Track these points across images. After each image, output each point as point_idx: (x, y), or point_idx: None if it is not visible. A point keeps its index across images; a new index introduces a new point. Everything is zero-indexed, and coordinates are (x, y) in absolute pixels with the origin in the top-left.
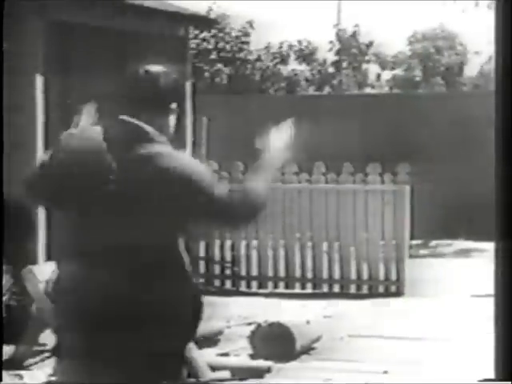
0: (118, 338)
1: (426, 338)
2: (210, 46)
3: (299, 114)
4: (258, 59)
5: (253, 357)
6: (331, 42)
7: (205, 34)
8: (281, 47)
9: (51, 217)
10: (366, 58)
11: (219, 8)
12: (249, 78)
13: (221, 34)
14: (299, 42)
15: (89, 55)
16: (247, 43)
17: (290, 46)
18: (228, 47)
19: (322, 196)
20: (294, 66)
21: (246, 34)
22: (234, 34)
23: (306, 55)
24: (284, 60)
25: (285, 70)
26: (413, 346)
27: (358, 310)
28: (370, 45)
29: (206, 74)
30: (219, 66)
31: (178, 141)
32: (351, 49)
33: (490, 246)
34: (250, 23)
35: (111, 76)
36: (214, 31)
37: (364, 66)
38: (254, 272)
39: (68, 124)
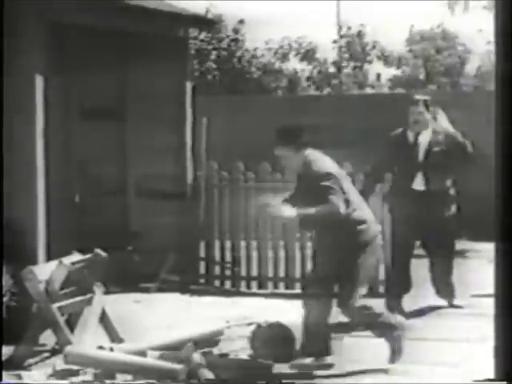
0: None
1: (426, 337)
2: (210, 47)
3: (299, 114)
4: (256, 57)
5: (253, 357)
6: (331, 41)
7: (204, 35)
8: (282, 44)
9: (50, 219)
10: (368, 58)
11: (216, 9)
12: (249, 76)
13: (218, 35)
14: (299, 38)
15: (89, 55)
16: (245, 42)
17: (290, 45)
18: (225, 45)
19: None
20: (294, 64)
21: (243, 33)
22: (230, 33)
23: (306, 53)
24: (285, 57)
25: (286, 68)
26: (413, 346)
27: None
28: (374, 46)
29: (206, 75)
30: (218, 65)
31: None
32: (355, 48)
33: (490, 247)
34: (247, 22)
35: (111, 76)
36: (212, 31)
37: (365, 65)
38: (254, 272)
39: (68, 124)
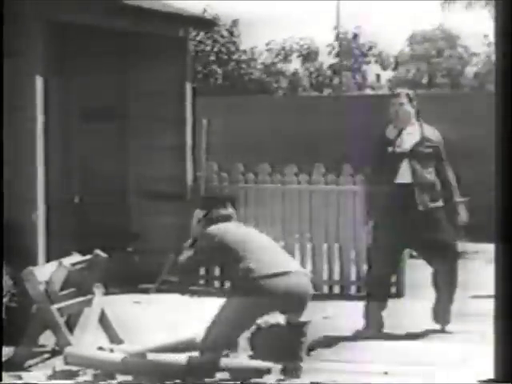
0: None
1: (426, 338)
2: (208, 48)
3: (298, 115)
4: (254, 59)
5: (252, 358)
6: (330, 44)
7: (202, 35)
8: (283, 45)
9: (50, 220)
10: (366, 59)
11: (213, 9)
12: (249, 77)
13: (216, 35)
14: (301, 39)
15: (89, 55)
16: (244, 43)
17: (291, 46)
18: (224, 46)
19: (322, 197)
20: (295, 65)
21: (243, 34)
22: (230, 33)
23: (307, 54)
24: (286, 58)
25: (287, 69)
26: (413, 347)
27: (358, 311)
28: (371, 48)
29: (205, 75)
30: (218, 66)
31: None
32: (351, 51)
33: (490, 248)
34: (246, 23)
35: (111, 76)
36: (211, 32)
37: (364, 66)
38: None
39: (68, 124)
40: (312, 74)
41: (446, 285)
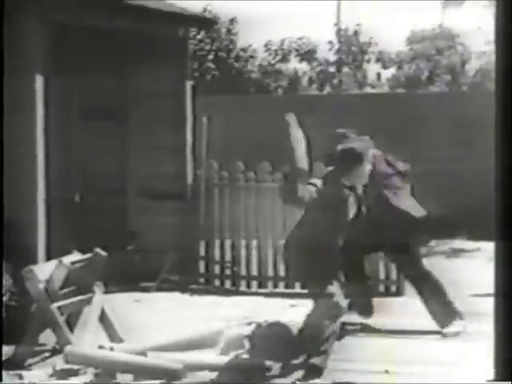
0: None
1: (426, 337)
2: (207, 47)
3: (299, 114)
4: (254, 57)
5: (252, 357)
6: (330, 41)
7: (202, 35)
8: (282, 45)
9: (50, 219)
10: (366, 57)
11: (214, 8)
12: (248, 76)
13: (216, 35)
14: (299, 38)
15: (89, 55)
16: (244, 42)
17: (290, 45)
18: (224, 45)
19: None
20: (294, 64)
21: (242, 33)
22: (229, 33)
23: (306, 53)
24: (285, 57)
25: (286, 68)
26: (413, 346)
27: None
28: (370, 44)
29: (205, 75)
30: (217, 65)
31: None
32: (351, 48)
33: (490, 246)
34: (245, 22)
35: (111, 76)
36: (211, 31)
37: (364, 65)
38: (254, 272)
39: (68, 124)
40: (314, 69)
41: (427, 287)
